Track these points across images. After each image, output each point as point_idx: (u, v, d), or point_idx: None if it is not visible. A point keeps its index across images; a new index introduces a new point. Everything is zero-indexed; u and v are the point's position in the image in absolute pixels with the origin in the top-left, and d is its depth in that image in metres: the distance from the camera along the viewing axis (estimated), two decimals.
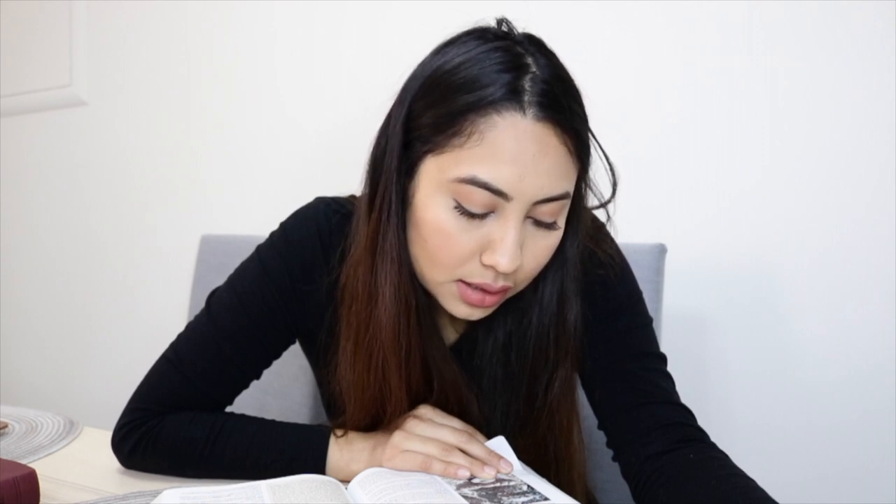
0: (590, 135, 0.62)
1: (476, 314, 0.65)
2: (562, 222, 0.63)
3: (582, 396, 0.74)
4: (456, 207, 0.59)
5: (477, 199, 0.58)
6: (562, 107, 0.57)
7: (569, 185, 0.60)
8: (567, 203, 0.62)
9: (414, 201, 0.62)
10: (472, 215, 0.59)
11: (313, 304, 0.71)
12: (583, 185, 0.65)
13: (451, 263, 0.61)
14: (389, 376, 0.66)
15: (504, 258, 0.58)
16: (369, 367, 0.66)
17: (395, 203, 0.62)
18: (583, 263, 0.69)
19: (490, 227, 0.59)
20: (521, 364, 0.71)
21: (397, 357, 0.65)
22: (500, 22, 0.63)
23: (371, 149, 0.66)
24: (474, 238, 0.59)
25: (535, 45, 0.61)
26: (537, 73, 0.57)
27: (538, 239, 0.62)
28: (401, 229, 0.63)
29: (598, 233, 0.73)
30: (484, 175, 0.57)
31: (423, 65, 0.63)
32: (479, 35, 0.60)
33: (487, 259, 0.59)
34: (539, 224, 0.61)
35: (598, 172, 0.66)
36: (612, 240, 0.74)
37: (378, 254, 0.63)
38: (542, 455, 0.72)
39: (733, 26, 1.12)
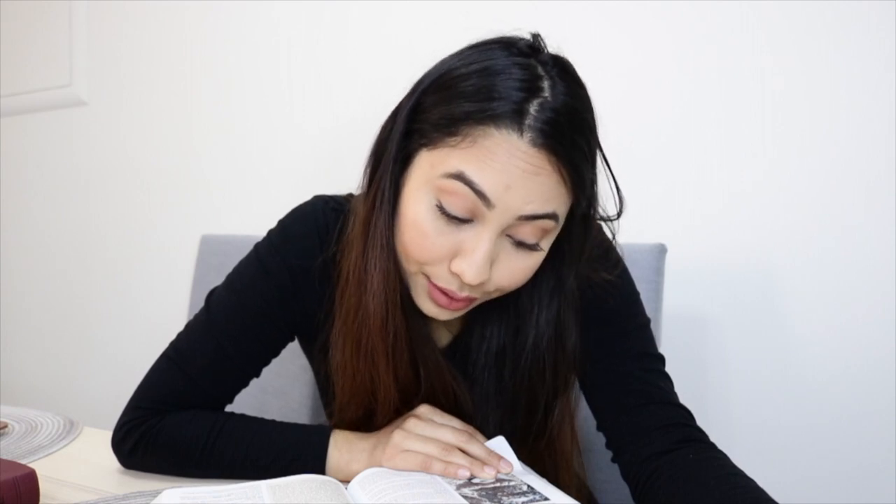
0: (599, 160, 0.61)
1: (444, 315, 0.65)
2: (545, 245, 0.62)
3: (582, 397, 0.74)
4: (437, 206, 0.58)
5: (459, 202, 0.57)
6: (563, 138, 0.56)
7: (557, 208, 0.59)
8: (553, 227, 0.60)
9: (403, 192, 0.62)
10: (450, 217, 0.58)
11: (313, 301, 0.71)
12: (591, 211, 0.64)
13: (420, 260, 0.61)
14: (378, 361, 0.66)
15: (470, 269, 0.58)
16: (358, 352, 0.66)
17: (388, 191, 0.62)
18: (580, 287, 0.68)
19: (466, 234, 0.59)
20: (516, 384, 0.71)
21: (385, 343, 0.65)
22: (535, 37, 0.61)
23: (377, 134, 0.66)
24: (448, 242, 0.59)
25: (558, 67, 0.59)
26: (548, 99, 0.56)
27: (515, 259, 0.61)
28: (390, 217, 0.63)
29: (606, 258, 0.72)
30: (471, 174, 0.56)
31: (442, 62, 0.62)
32: (505, 45, 0.59)
33: (455, 266, 0.59)
34: (520, 245, 0.60)
35: (602, 184, 0.65)
36: (621, 263, 0.73)
37: (369, 240, 0.63)
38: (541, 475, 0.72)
39: (733, 26, 1.12)
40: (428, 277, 0.62)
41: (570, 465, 0.72)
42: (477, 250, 0.58)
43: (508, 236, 0.59)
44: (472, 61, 0.59)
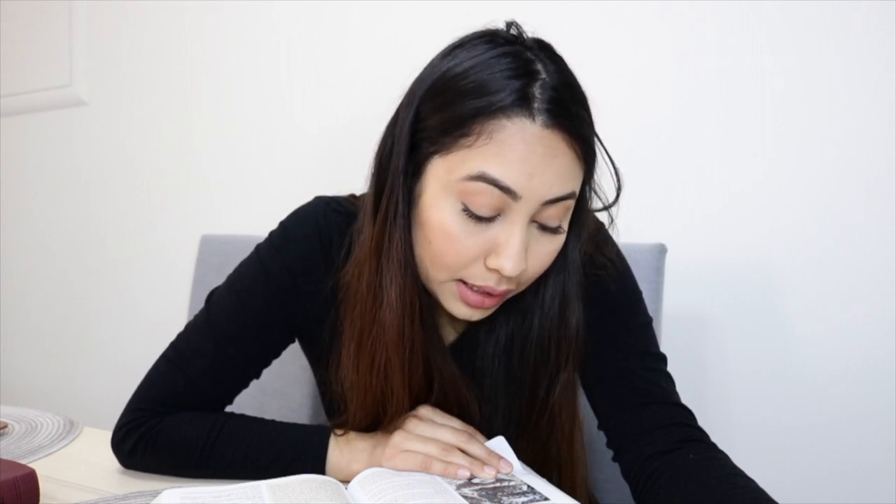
0: (596, 139, 0.62)
1: (476, 315, 0.65)
2: (566, 226, 0.63)
3: (582, 397, 0.74)
4: (463, 210, 0.59)
5: (485, 200, 0.58)
6: (570, 114, 0.57)
7: (575, 186, 0.60)
8: (572, 205, 0.62)
9: (420, 202, 0.62)
10: (478, 218, 0.59)
11: (314, 303, 0.71)
12: (587, 189, 0.65)
13: (455, 265, 0.61)
14: (392, 377, 0.66)
15: (509, 262, 0.58)
16: (372, 367, 0.66)
17: (402, 204, 0.62)
18: (583, 265, 0.69)
19: (496, 230, 0.59)
20: (523, 367, 0.71)
21: (401, 358, 0.65)
22: (509, 25, 0.62)
23: (376, 149, 0.66)
24: (479, 241, 0.59)
25: (544, 50, 0.60)
26: (546, 79, 0.57)
27: (543, 243, 0.62)
28: (406, 231, 0.63)
29: (599, 234, 0.73)
30: (493, 171, 0.56)
31: (431, 67, 0.62)
32: (488, 39, 0.60)
33: (492, 262, 0.59)
34: (544, 228, 0.61)
35: (602, 176, 0.66)
36: (612, 241, 0.74)
37: (384, 255, 0.63)
38: (544, 459, 0.72)
39: (733, 26, 1.12)
40: (462, 281, 0.62)
41: (571, 445, 0.72)
42: (511, 243, 0.58)
43: (534, 222, 0.60)
44: (462, 59, 0.59)
